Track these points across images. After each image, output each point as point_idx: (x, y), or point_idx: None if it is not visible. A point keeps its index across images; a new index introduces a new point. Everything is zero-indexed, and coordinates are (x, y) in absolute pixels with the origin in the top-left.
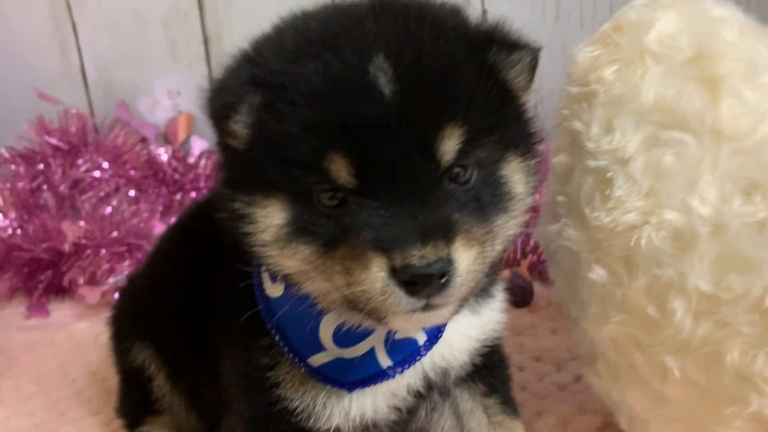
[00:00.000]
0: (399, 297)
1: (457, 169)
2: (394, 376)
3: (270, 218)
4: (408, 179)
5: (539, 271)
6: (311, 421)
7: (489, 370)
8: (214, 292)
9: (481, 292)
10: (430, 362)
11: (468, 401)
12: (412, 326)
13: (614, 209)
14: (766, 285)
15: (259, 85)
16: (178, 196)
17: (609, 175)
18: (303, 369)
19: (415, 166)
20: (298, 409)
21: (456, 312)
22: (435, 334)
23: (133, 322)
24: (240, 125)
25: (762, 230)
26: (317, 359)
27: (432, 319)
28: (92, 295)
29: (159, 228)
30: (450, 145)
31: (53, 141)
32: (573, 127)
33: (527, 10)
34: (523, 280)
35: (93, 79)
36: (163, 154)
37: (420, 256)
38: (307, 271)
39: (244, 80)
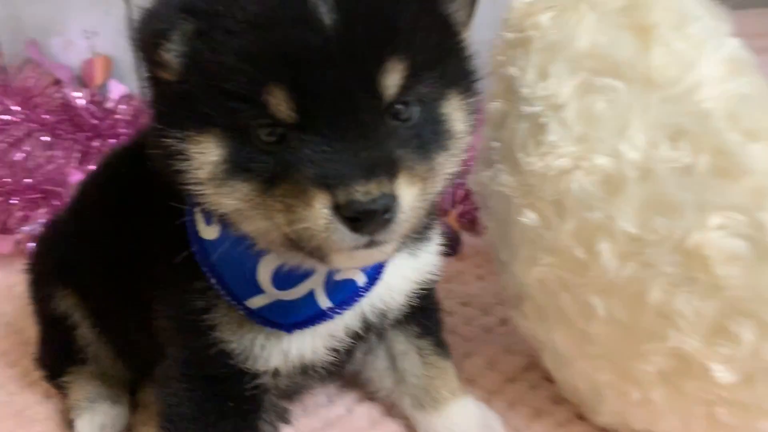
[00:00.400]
0: (342, 234)
1: (399, 106)
2: (333, 318)
3: (205, 155)
4: (350, 114)
5: (468, 220)
6: (249, 362)
7: (423, 313)
8: (146, 235)
9: (419, 234)
10: (369, 304)
11: (402, 343)
12: (354, 264)
13: (547, 154)
14: (688, 227)
15: (192, 12)
16: (96, 143)
17: (543, 120)
18: (241, 312)
19: (357, 100)
20: (236, 351)
21: (397, 250)
22: (374, 276)
23: (55, 269)
24: (172, 54)
25: (686, 175)
26: (255, 302)
27: (374, 256)
28: (4, 244)
29: (76, 176)
30: (393, 79)
31: None
32: (508, 73)
33: None
34: (451, 229)
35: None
36: (79, 98)
37: (364, 192)
38: (246, 210)
39: (176, 6)
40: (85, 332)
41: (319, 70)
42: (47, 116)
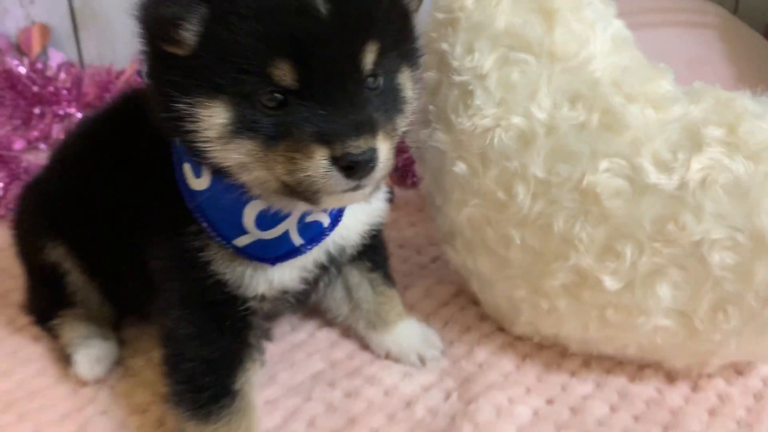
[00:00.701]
0: (338, 179)
1: (371, 78)
2: (305, 252)
3: (214, 117)
4: (339, 85)
5: (398, 176)
6: (241, 290)
7: (373, 250)
8: (137, 189)
9: None
10: (332, 241)
11: (356, 276)
12: (341, 203)
13: (474, 115)
14: (583, 171)
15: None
16: (37, 110)
17: (470, 88)
18: (230, 249)
19: (344, 73)
20: (230, 281)
21: (372, 193)
22: (336, 218)
23: (44, 224)
24: (189, 33)
25: (582, 130)
26: (241, 241)
27: (356, 197)
28: None
29: (19, 143)
30: (369, 57)
31: None
32: (440, 48)
33: None
34: (388, 183)
35: None
36: (18, 66)
37: (356, 146)
38: (249, 162)
39: None
40: (75, 279)
41: (316, 48)
42: None
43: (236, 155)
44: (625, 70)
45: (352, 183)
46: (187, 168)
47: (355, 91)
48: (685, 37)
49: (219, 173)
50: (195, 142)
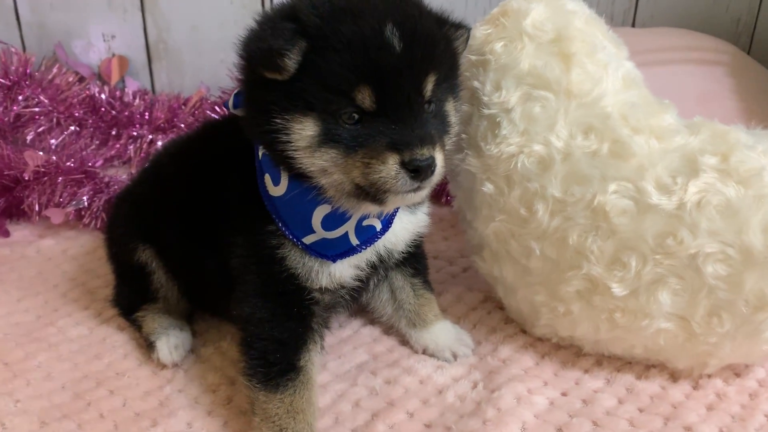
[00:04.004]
0: (405, 180)
1: (427, 103)
2: (360, 252)
3: (305, 130)
4: (407, 106)
5: (435, 194)
6: (308, 282)
7: (415, 258)
8: (223, 199)
9: None
10: (383, 245)
11: (400, 280)
12: (404, 203)
13: (500, 143)
14: (594, 192)
15: (304, 35)
16: (114, 132)
17: (497, 120)
18: (300, 246)
19: (411, 97)
20: (300, 274)
21: (427, 195)
22: (387, 225)
23: (136, 228)
24: (291, 61)
25: (594, 157)
26: (309, 239)
27: (416, 197)
28: (57, 216)
29: (99, 161)
30: (430, 86)
31: None
32: (472, 85)
33: None
34: None
35: (27, 21)
36: (101, 93)
37: (420, 154)
38: (330, 167)
39: (292, 30)
40: (160, 277)
41: (390, 77)
42: (74, 108)
43: (321, 161)
44: (633, 105)
45: (415, 184)
46: (267, 178)
47: (419, 111)
48: (697, 73)
49: (298, 179)
50: (287, 151)
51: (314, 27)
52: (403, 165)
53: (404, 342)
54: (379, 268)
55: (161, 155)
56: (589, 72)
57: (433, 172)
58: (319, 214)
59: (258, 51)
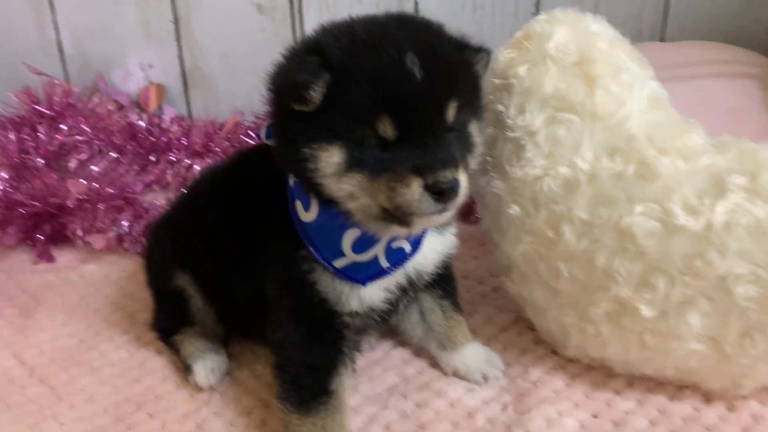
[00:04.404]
0: (429, 203)
1: (450, 127)
2: (390, 274)
3: (332, 158)
4: (429, 132)
5: (462, 213)
6: (338, 306)
7: (444, 280)
8: (257, 226)
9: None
10: (412, 267)
11: (429, 302)
12: (429, 225)
13: (525, 166)
14: (621, 214)
15: (327, 68)
16: (152, 157)
17: (522, 143)
18: (331, 270)
19: (434, 123)
20: (331, 298)
21: (452, 217)
22: (416, 246)
23: (174, 255)
24: (317, 93)
25: (620, 179)
26: (339, 263)
27: (442, 219)
28: (98, 241)
29: (138, 186)
30: (452, 111)
31: (40, 108)
32: (497, 108)
33: (451, 3)
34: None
35: (69, 53)
36: (140, 120)
37: (443, 176)
38: (356, 192)
39: (317, 64)
40: (197, 302)
41: (411, 106)
42: (114, 136)
43: (347, 186)
44: (659, 126)
45: (440, 206)
46: (298, 204)
47: (441, 136)
48: (728, 87)
49: (327, 204)
50: (316, 178)
51: (337, 60)
52: (427, 188)
53: (434, 364)
54: (409, 290)
55: (197, 183)
56: (613, 94)
57: (456, 193)
58: (349, 237)
59: (285, 84)
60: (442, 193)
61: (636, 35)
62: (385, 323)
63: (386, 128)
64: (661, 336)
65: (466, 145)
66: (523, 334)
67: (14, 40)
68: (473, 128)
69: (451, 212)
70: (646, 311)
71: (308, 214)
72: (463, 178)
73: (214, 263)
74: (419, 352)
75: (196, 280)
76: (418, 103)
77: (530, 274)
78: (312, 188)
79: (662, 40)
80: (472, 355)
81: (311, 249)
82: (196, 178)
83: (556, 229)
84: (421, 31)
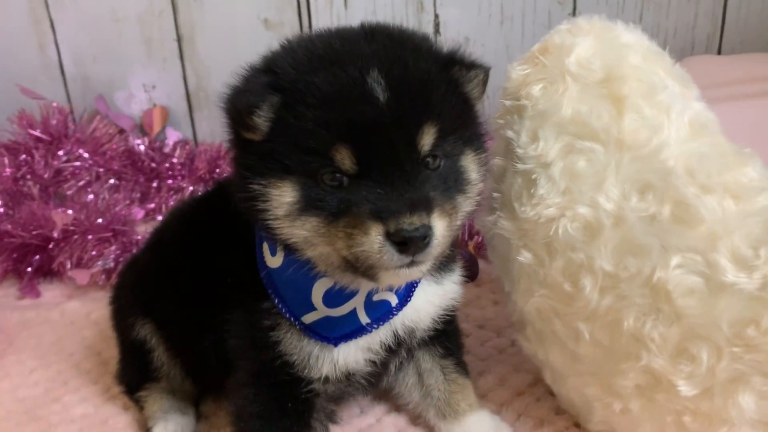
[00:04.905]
0: (392, 254)
1: (429, 158)
2: (371, 331)
3: (283, 196)
4: (396, 165)
5: (483, 250)
6: (306, 371)
7: (446, 336)
8: (221, 268)
9: (443, 265)
10: (401, 322)
11: (428, 362)
12: (398, 281)
13: (537, 204)
14: (654, 266)
15: (278, 89)
16: (154, 184)
17: (534, 176)
18: (298, 327)
19: (401, 154)
20: (296, 362)
21: (430, 270)
22: (405, 298)
23: (136, 301)
24: (261, 119)
25: (652, 222)
26: (309, 317)
27: (414, 273)
28: (82, 276)
29: (139, 214)
30: (427, 139)
31: (36, 133)
32: (506, 135)
33: (475, 15)
34: (471, 256)
35: (71, 74)
36: (140, 145)
37: (409, 222)
38: (313, 238)
39: (265, 84)
40: (161, 355)
41: (374, 133)
42: (113, 161)
43: (302, 231)
44: (702, 157)
45: (406, 259)
46: (265, 247)
47: (412, 171)
48: None
49: (288, 251)
50: (267, 220)
51: (288, 80)
52: (388, 236)
53: None
54: (399, 349)
55: (166, 219)
56: (646, 117)
57: (428, 244)
58: (320, 288)
59: (231, 108)
60: (407, 243)
61: (688, 48)
62: (373, 387)
63: (344, 161)
64: (705, 419)
65: (456, 183)
66: (542, 401)
67: (16, 60)
68: (467, 161)
69: (425, 265)
70: (685, 388)
71: (275, 259)
72: (438, 225)
73: (176, 310)
74: (417, 419)
75: (158, 330)
76: (380, 130)
77: (546, 332)
78: (267, 232)
79: (718, 53)
80: (478, 426)
81: (276, 300)
82: (167, 213)
83: (575, 282)
84: (391, 44)
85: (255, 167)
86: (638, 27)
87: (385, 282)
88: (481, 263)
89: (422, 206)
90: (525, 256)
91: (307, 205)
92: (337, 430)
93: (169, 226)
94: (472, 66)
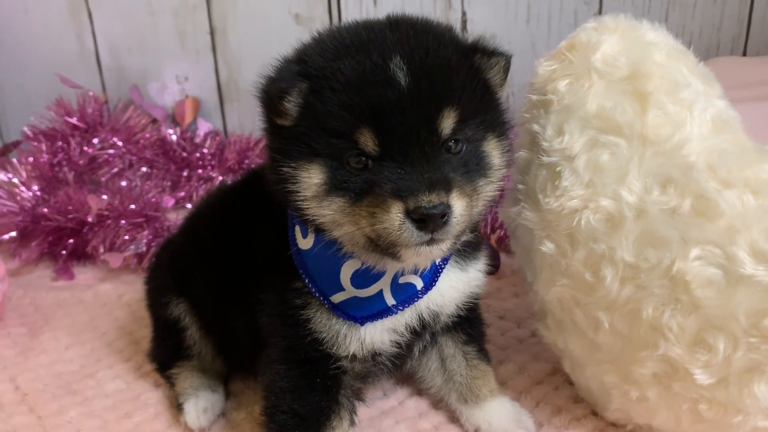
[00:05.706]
0: (411, 231)
1: (451, 142)
2: (396, 313)
3: (312, 178)
4: (417, 147)
5: (505, 244)
6: (334, 348)
7: (469, 323)
8: (254, 250)
9: (467, 252)
10: (426, 306)
11: (451, 347)
12: (419, 260)
13: (561, 196)
14: (673, 257)
15: (307, 76)
16: (185, 173)
17: (558, 169)
18: (327, 306)
19: (422, 137)
20: (325, 339)
21: (451, 250)
22: (430, 282)
23: (171, 280)
24: (291, 104)
25: (673, 215)
26: (337, 297)
27: (434, 252)
28: (115, 260)
29: (169, 201)
30: (447, 123)
31: (72, 121)
32: (532, 129)
33: (502, 14)
34: (493, 249)
35: (106, 64)
36: (172, 134)
37: (427, 200)
38: (339, 218)
39: (294, 72)
40: (193, 333)
41: (395, 116)
42: (146, 150)
43: (328, 211)
44: (724, 153)
45: (425, 236)
46: (297, 230)
47: (432, 152)
48: None
49: (318, 232)
50: (297, 201)
51: (316, 67)
52: (408, 213)
53: (454, 419)
54: (424, 333)
55: (202, 203)
56: (669, 114)
57: (446, 222)
58: (349, 269)
59: (264, 95)
60: (426, 220)
61: (713, 49)
62: (398, 369)
63: (367, 143)
64: (720, 407)
65: (478, 166)
66: (560, 389)
67: (55, 50)
68: (490, 146)
69: (445, 244)
70: (701, 376)
71: (305, 241)
72: (458, 204)
73: (210, 291)
74: (439, 403)
75: (192, 309)
76: (402, 113)
77: (566, 321)
78: (297, 213)
79: (744, 54)
80: (498, 411)
81: (307, 281)
82: (202, 198)
83: (596, 272)
84: (414, 33)
85: (285, 151)
86: (663, 27)
87: (407, 260)
88: (503, 257)
89: (441, 185)
90: (548, 247)
91: (334, 187)
92: (361, 411)
93: (204, 210)
94: (493, 53)
